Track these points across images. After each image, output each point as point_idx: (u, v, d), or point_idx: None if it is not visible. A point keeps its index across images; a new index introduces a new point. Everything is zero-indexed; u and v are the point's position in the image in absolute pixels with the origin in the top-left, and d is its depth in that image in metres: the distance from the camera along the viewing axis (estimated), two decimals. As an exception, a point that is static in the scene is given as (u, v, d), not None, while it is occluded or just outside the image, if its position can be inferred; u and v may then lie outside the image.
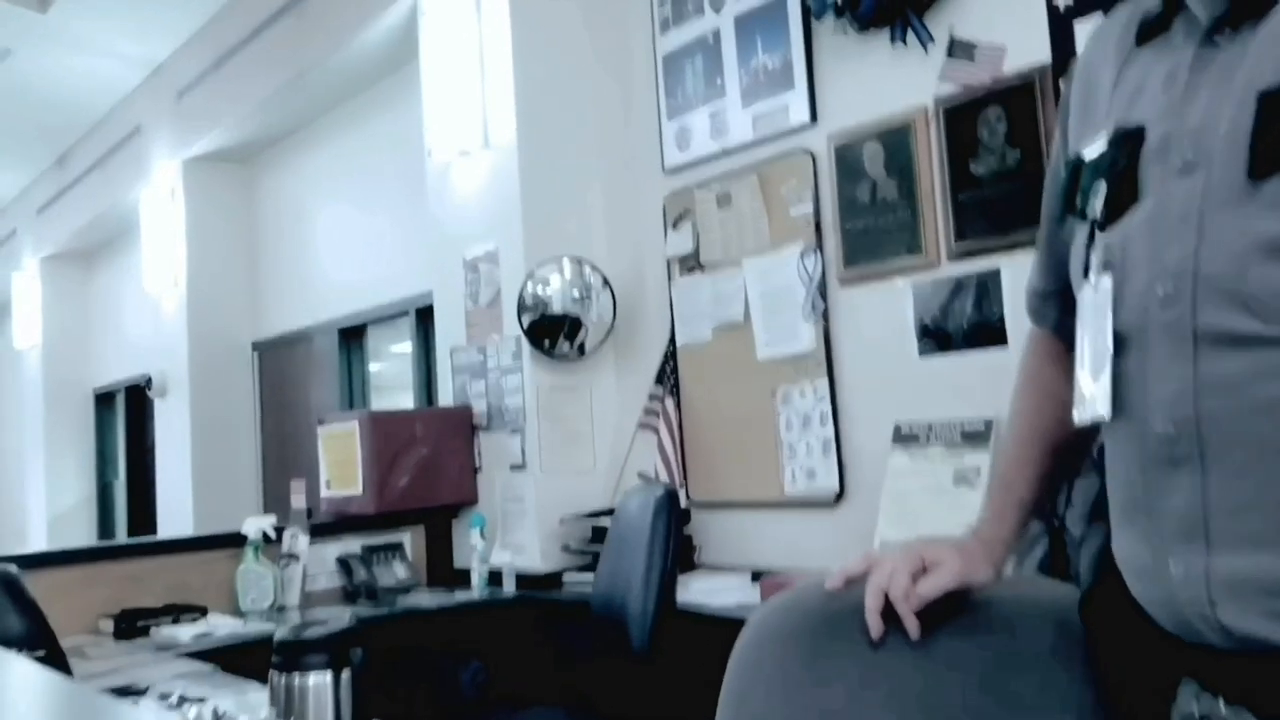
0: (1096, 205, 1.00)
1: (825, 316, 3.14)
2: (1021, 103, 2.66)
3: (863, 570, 1.16)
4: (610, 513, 3.11)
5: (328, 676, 1.47)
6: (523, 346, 3.70)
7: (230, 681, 2.25)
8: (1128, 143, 0.98)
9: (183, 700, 1.67)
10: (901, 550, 1.17)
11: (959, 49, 2.82)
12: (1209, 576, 0.89)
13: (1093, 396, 0.99)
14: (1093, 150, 1.03)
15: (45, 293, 8.45)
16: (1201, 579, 0.90)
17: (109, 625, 3.07)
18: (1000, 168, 2.72)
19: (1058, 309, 1.19)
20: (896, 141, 2.95)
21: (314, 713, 1.45)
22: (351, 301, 5.47)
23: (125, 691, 1.94)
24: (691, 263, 3.58)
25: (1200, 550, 0.90)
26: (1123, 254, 0.96)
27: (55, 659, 1.71)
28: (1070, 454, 1.24)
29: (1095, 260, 0.99)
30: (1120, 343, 0.96)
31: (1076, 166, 1.05)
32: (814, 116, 3.19)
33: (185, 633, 2.97)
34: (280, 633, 1.55)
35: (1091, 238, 1.01)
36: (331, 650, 1.49)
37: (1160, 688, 0.95)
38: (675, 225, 3.64)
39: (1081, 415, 1.01)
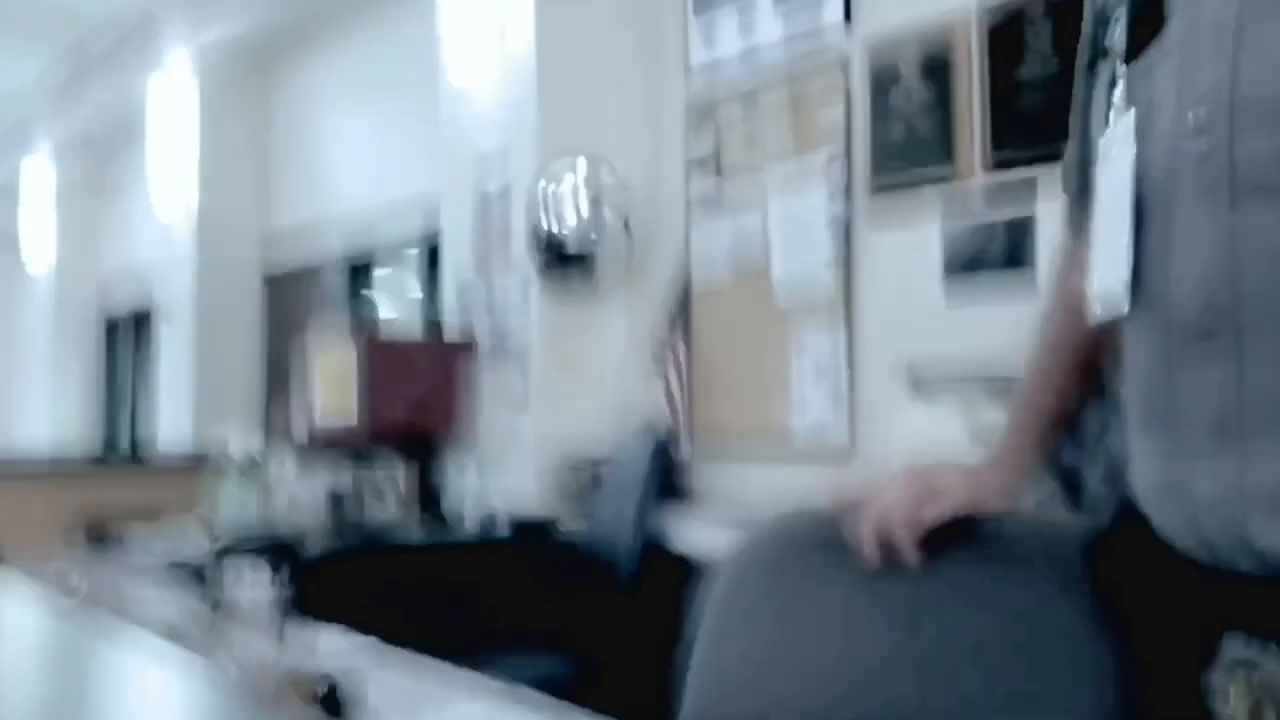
0: (1117, 34, 0.87)
1: (847, 263, 2.99)
2: (1074, 2, 2.47)
3: (861, 495, 1.04)
4: (608, 457, 3.01)
5: (267, 577, 1.35)
6: (530, 281, 3.56)
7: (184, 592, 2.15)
8: None
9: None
10: (905, 474, 1.05)
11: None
12: (1244, 486, 0.75)
13: (1111, 282, 0.84)
14: None
15: (59, 182, 8.27)
16: (1234, 489, 0.75)
17: (80, 535, 2.99)
18: (1045, 73, 2.54)
19: (1080, 175, 1.04)
20: (936, 43, 2.78)
21: (249, 612, 1.33)
22: (360, 205, 5.29)
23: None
24: (711, 168, 3.40)
25: (1233, 455, 0.75)
26: (1148, 86, 0.83)
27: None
28: (1100, 367, 1.09)
29: (1118, 98, 0.86)
30: (1141, 211, 0.81)
31: (1104, 6, 0.93)
32: (849, 15, 3.02)
33: (156, 546, 2.89)
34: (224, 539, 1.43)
35: (1113, 79, 0.87)
36: (274, 553, 1.37)
37: (1197, 638, 0.81)
38: (697, 130, 3.48)
39: (1099, 305, 0.87)
